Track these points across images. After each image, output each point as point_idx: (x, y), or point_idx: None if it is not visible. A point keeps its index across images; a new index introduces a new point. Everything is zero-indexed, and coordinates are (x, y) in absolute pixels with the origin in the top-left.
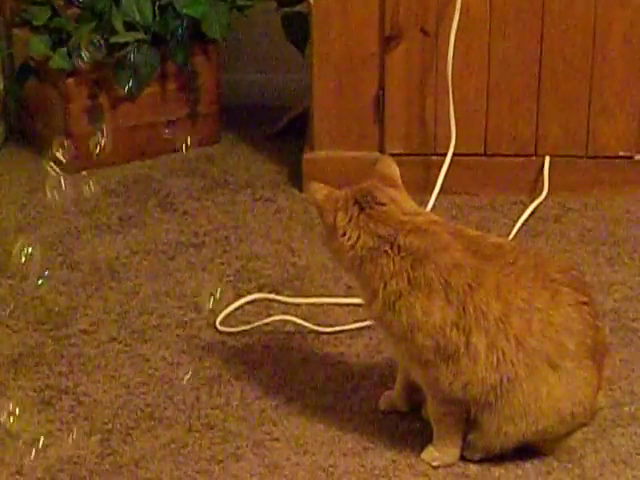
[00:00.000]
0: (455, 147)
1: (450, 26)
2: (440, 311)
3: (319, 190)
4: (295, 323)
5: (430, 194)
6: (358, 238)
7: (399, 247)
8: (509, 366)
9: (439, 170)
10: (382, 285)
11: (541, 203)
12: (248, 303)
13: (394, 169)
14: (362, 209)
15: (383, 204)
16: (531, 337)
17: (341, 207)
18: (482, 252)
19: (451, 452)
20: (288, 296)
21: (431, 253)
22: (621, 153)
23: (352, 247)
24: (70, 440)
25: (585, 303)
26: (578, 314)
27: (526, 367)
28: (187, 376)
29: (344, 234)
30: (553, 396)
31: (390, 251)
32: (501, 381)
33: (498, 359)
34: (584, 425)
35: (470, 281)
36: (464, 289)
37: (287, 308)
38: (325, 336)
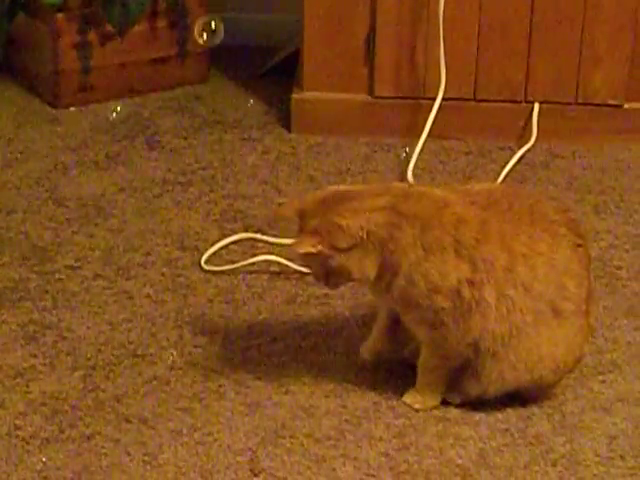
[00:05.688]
0: (445, 91)
1: None
2: (455, 270)
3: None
4: (280, 263)
5: (418, 138)
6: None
7: (405, 216)
8: (518, 314)
9: (428, 114)
10: (403, 259)
11: (529, 149)
12: (233, 243)
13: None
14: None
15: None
16: (537, 282)
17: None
18: (478, 202)
19: (434, 396)
20: (274, 236)
21: (434, 213)
22: (610, 101)
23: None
24: (53, 375)
25: (580, 246)
26: (576, 256)
27: (533, 313)
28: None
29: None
30: (552, 342)
31: (401, 222)
32: (510, 330)
33: (508, 309)
34: (569, 372)
35: (476, 234)
36: (472, 243)
37: (272, 248)
38: (309, 277)
